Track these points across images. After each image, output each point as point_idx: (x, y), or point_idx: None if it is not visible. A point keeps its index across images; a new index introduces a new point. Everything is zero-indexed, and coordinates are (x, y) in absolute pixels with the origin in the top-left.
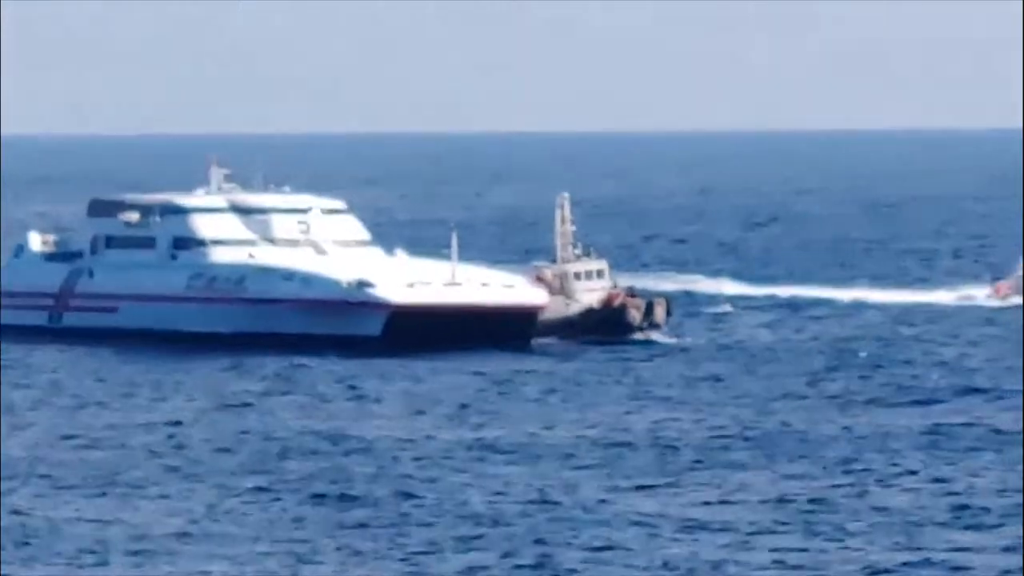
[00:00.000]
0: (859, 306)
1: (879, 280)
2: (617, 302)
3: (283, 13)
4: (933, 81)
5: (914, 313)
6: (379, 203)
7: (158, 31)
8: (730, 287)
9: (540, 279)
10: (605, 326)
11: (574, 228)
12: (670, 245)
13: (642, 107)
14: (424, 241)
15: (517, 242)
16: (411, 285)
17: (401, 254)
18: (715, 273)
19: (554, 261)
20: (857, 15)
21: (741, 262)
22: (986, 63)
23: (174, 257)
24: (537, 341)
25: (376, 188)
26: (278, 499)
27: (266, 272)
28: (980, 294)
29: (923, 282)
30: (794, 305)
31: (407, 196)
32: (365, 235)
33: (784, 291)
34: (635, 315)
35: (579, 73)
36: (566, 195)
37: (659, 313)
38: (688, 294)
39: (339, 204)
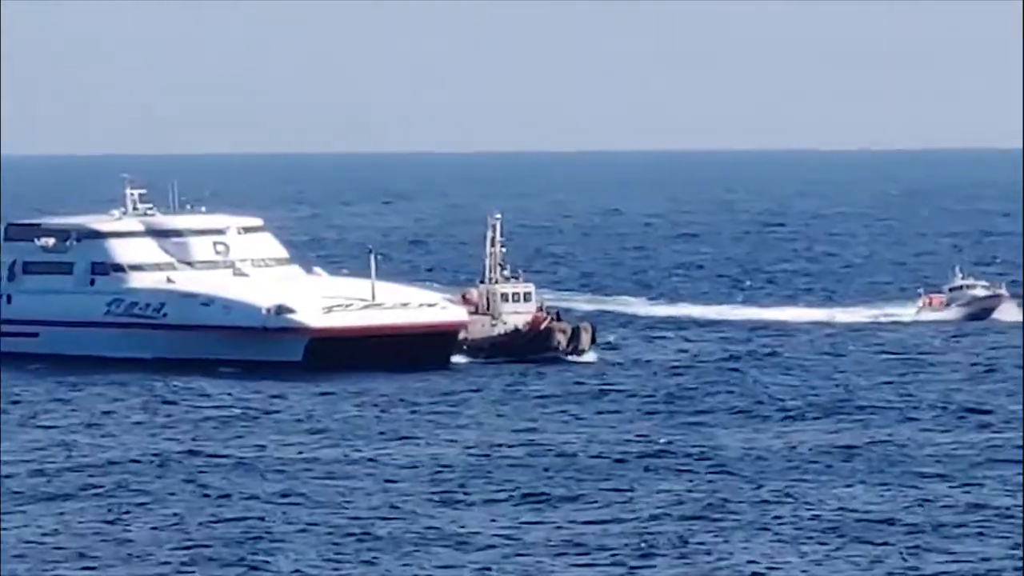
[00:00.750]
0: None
1: (795, 298)
2: (543, 326)
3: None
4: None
5: (826, 330)
6: (288, 221)
7: (57, 51)
8: (644, 307)
9: (466, 299)
10: (530, 349)
11: (504, 250)
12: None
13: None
14: (338, 258)
15: (422, 261)
16: (330, 309)
17: (320, 273)
18: (628, 293)
19: (482, 281)
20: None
21: (651, 282)
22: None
23: (92, 282)
24: (459, 361)
25: (287, 206)
26: None
27: (186, 298)
28: (903, 312)
29: (835, 299)
30: (701, 323)
31: (319, 215)
32: (283, 253)
33: (693, 311)
34: (560, 339)
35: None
36: (498, 216)
37: (584, 339)
38: (605, 313)
39: (256, 222)
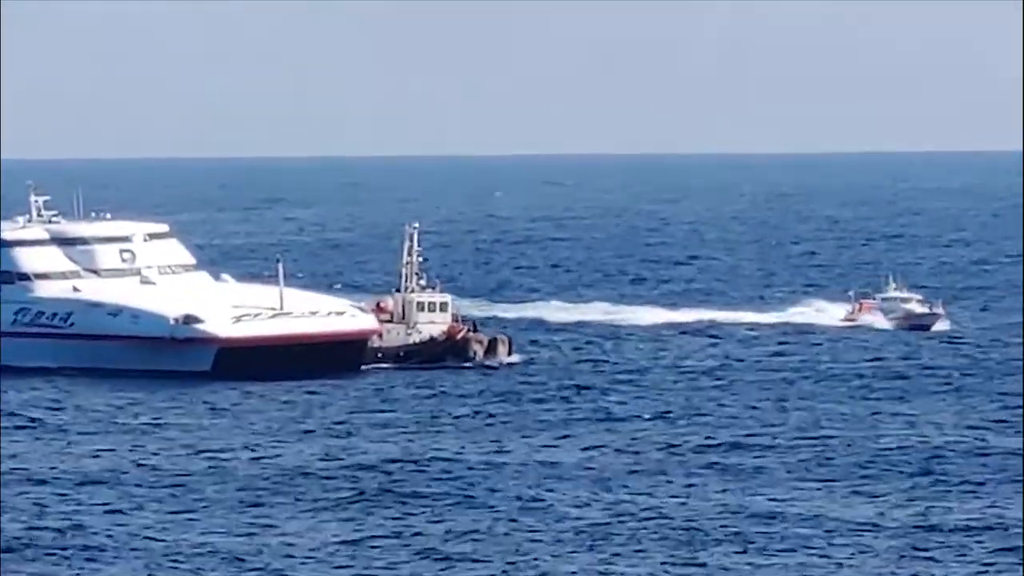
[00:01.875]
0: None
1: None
2: (460, 336)
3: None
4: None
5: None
6: (192, 227)
7: None
8: (554, 312)
9: (381, 307)
10: (446, 358)
11: (421, 259)
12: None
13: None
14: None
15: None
16: (239, 319)
17: (228, 279)
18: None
19: (398, 290)
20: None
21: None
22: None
23: None
24: (371, 368)
25: (191, 212)
26: None
27: (93, 308)
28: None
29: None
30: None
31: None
32: (190, 260)
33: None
34: (477, 350)
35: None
36: (416, 225)
37: (501, 350)
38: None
39: (162, 228)
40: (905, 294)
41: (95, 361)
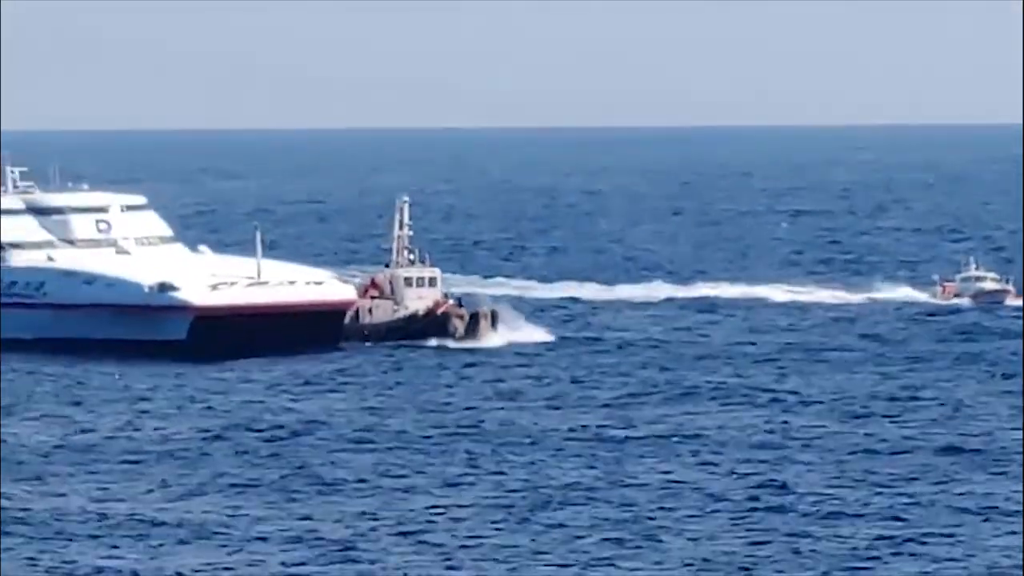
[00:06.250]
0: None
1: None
2: (441, 311)
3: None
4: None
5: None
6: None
7: None
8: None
9: (375, 283)
10: (426, 333)
11: (411, 233)
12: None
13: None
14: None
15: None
16: (215, 287)
17: (205, 251)
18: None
19: (387, 265)
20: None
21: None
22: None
23: None
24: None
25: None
26: None
27: (67, 276)
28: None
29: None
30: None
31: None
32: (167, 231)
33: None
34: (457, 324)
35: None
36: (406, 199)
37: (483, 325)
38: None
39: (139, 200)
40: (982, 272)
41: (68, 331)
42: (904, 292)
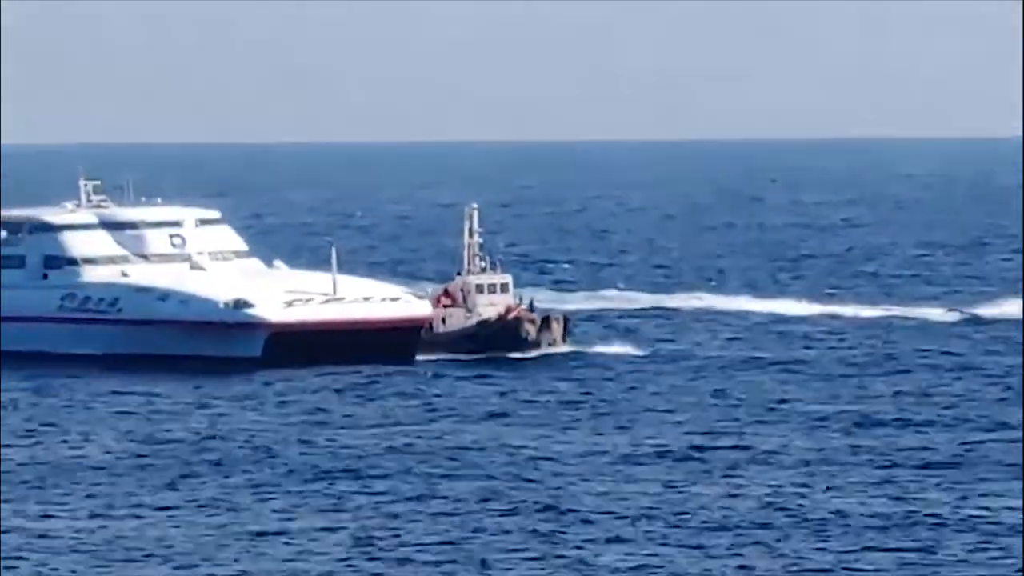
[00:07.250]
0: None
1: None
2: (511, 316)
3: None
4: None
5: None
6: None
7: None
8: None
9: (448, 292)
10: (499, 340)
11: (481, 240)
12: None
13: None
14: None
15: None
16: (290, 303)
17: (280, 265)
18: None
19: (459, 273)
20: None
21: None
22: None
23: (45, 276)
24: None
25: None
26: None
27: (141, 292)
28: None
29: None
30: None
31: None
32: (242, 246)
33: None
34: (529, 329)
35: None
36: (475, 206)
37: (556, 329)
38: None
39: (213, 214)
40: None
41: (143, 347)
42: None
